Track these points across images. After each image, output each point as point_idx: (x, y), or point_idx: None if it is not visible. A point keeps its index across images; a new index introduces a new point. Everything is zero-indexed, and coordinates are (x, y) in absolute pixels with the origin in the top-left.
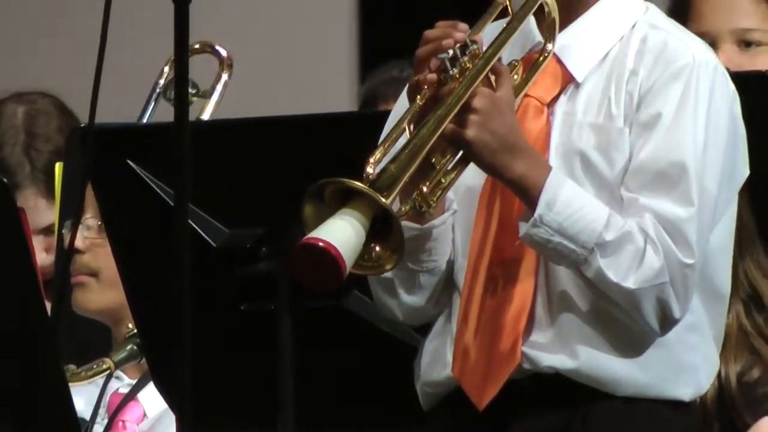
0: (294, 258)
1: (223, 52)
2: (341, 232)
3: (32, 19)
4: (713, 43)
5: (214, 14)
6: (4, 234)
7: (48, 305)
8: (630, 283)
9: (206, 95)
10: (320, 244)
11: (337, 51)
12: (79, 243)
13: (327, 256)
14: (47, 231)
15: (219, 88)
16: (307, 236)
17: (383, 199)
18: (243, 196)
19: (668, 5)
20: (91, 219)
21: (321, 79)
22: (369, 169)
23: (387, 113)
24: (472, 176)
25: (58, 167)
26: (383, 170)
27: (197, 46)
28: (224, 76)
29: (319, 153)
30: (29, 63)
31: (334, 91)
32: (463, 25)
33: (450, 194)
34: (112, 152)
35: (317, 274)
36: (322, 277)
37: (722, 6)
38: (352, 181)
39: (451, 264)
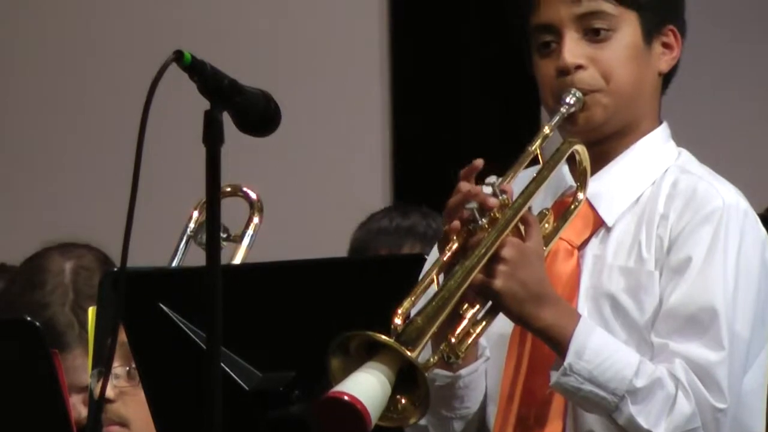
0: (320, 411)
1: (253, 195)
2: (367, 386)
3: (65, 162)
4: None
5: (244, 155)
6: (37, 376)
7: None
8: (662, 430)
9: (237, 240)
10: (345, 398)
11: (369, 192)
12: (108, 392)
13: (352, 410)
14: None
15: (250, 232)
16: (332, 389)
17: (409, 353)
18: (275, 338)
19: None
20: (119, 368)
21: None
22: (397, 321)
23: (420, 257)
24: (504, 323)
25: (91, 312)
26: (410, 322)
27: (228, 189)
28: (255, 220)
29: (351, 296)
30: (62, 206)
31: None
32: (478, 161)
33: (482, 341)
34: (144, 295)
35: (343, 428)
36: (348, 430)
37: None
38: (377, 335)
39: (483, 409)
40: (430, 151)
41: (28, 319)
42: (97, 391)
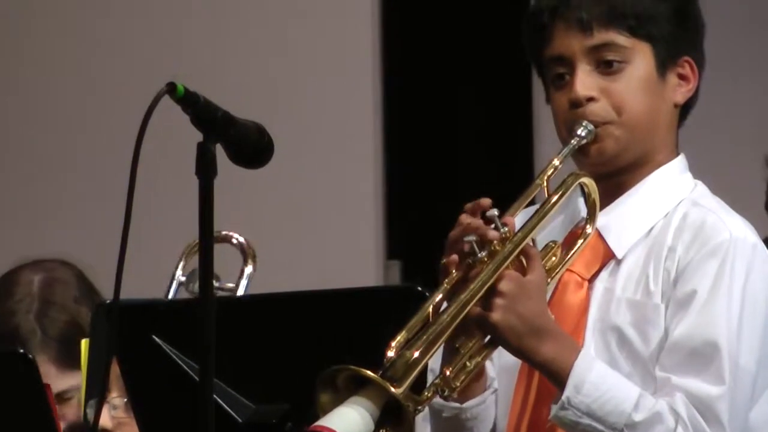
0: None
1: (245, 243)
2: (349, 421)
3: (60, 193)
4: None
5: (236, 193)
6: (30, 409)
7: None
8: None
9: (231, 290)
10: None
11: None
12: (107, 422)
13: None
14: (57, 398)
15: (244, 282)
16: (314, 423)
17: (393, 389)
18: (268, 370)
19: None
20: (117, 398)
21: (346, 264)
22: (390, 354)
23: (413, 289)
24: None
25: (84, 344)
26: (399, 356)
27: (221, 233)
28: (248, 269)
29: (345, 327)
30: (55, 238)
31: (359, 273)
32: (486, 200)
33: (491, 373)
34: (137, 328)
35: None
36: None
37: None
38: (362, 370)
39: None
40: (423, 197)
41: (21, 351)
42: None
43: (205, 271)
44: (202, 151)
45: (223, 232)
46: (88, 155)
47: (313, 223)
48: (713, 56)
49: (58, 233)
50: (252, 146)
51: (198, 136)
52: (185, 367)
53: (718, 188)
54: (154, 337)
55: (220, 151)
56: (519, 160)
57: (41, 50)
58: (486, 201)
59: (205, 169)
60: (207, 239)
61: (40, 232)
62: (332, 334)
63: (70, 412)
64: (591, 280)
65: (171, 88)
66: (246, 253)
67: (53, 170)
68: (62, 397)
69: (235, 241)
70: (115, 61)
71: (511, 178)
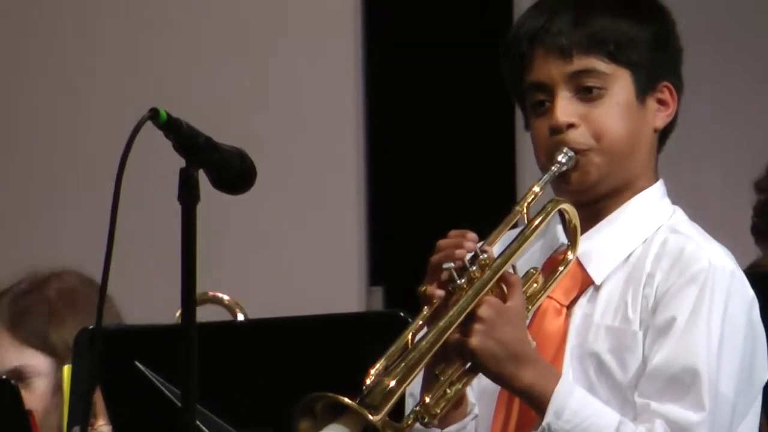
0: None
1: (228, 300)
2: None
3: (40, 222)
4: None
5: (218, 226)
6: None
7: None
8: None
9: None
10: None
11: (345, 267)
12: None
13: None
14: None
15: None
16: None
17: (371, 417)
18: (251, 395)
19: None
20: (104, 426)
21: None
22: (368, 381)
23: (396, 314)
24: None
25: (67, 369)
26: (377, 384)
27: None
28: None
29: (327, 352)
30: (33, 263)
31: (342, 299)
32: (472, 234)
33: (471, 398)
34: (120, 354)
35: None
36: None
37: None
38: (340, 397)
39: None
40: (405, 224)
41: (4, 377)
42: None
43: (188, 296)
44: (185, 177)
45: (210, 293)
46: (71, 182)
47: (295, 248)
48: (692, 80)
49: (41, 261)
50: (234, 172)
51: (181, 162)
52: (168, 393)
53: (694, 214)
54: (136, 363)
55: (203, 176)
56: (502, 187)
57: (24, 75)
58: (472, 234)
59: (188, 195)
60: (190, 264)
61: (21, 256)
62: (316, 360)
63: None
64: (569, 307)
65: (154, 114)
66: (231, 310)
67: (36, 197)
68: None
69: (224, 301)
70: (97, 87)
71: (494, 206)
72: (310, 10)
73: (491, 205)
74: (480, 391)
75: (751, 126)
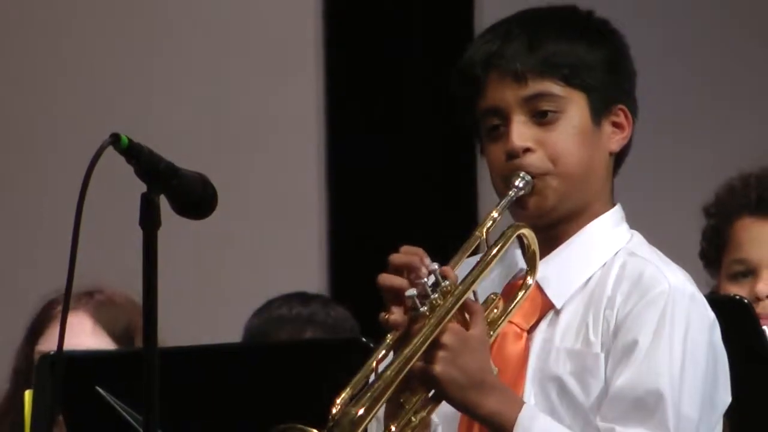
0: None
1: None
2: None
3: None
4: (753, 271)
5: (179, 248)
6: None
7: None
8: None
9: None
10: None
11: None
12: None
13: None
14: None
15: None
16: None
17: None
18: (213, 422)
19: (702, 231)
20: None
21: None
22: (334, 411)
23: (358, 341)
24: None
25: (28, 395)
26: (344, 413)
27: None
28: None
29: (289, 378)
30: None
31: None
32: (424, 254)
33: (435, 419)
34: (81, 379)
35: None
36: None
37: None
38: (308, 428)
39: None
40: (367, 245)
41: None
42: None
43: (150, 320)
44: (146, 202)
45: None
46: (31, 206)
47: (257, 269)
48: (647, 105)
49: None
50: (196, 197)
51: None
52: (129, 418)
53: (651, 238)
54: (98, 388)
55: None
56: (462, 208)
57: None
58: (423, 253)
59: (149, 221)
60: (152, 289)
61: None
62: (277, 386)
63: None
64: (530, 331)
65: (115, 140)
66: None
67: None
68: None
69: None
70: (58, 112)
71: (456, 226)
72: (271, 20)
73: (454, 225)
74: (442, 415)
75: (707, 149)
